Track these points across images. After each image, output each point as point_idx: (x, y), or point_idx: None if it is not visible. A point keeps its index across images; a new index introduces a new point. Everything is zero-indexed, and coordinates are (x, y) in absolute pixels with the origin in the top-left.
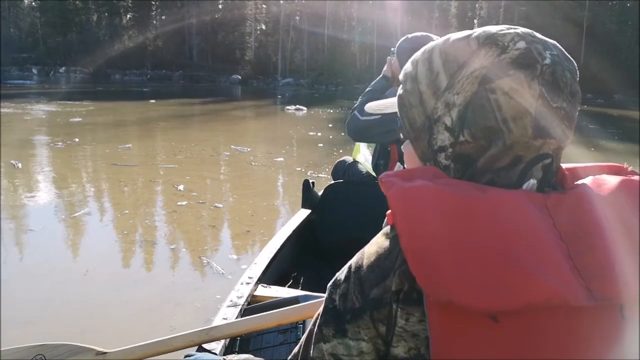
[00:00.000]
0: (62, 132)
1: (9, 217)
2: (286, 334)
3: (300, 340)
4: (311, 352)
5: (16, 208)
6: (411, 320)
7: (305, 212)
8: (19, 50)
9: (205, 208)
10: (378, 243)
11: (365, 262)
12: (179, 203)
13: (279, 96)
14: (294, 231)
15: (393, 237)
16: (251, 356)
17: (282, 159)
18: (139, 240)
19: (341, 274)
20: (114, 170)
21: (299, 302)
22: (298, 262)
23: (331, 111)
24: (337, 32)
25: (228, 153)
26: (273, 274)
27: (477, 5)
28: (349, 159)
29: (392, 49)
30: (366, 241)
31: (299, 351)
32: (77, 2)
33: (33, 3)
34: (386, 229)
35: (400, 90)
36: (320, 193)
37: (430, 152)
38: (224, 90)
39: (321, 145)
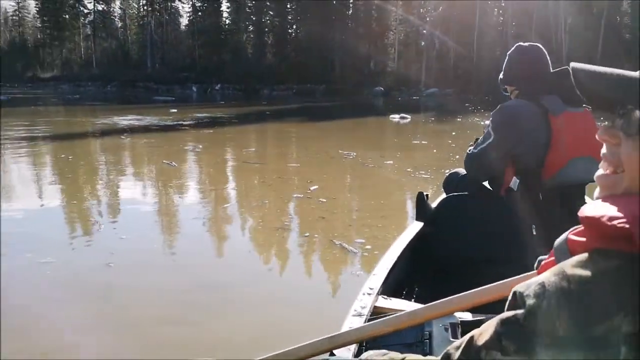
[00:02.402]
0: (210, 140)
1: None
2: (412, 347)
3: (460, 341)
4: (482, 354)
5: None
6: None
7: (418, 225)
8: (180, 69)
9: (330, 201)
10: (588, 267)
11: (574, 288)
12: (308, 197)
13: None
14: (408, 244)
15: (623, 265)
16: (385, 350)
17: (391, 161)
18: (280, 227)
19: (527, 289)
20: (255, 170)
21: None
22: (412, 275)
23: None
24: (486, 37)
25: (338, 156)
26: (390, 286)
27: None
28: (462, 170)
29: (486, 122)
30: (488, 257)
31: (459, 346)
32: (229, 23)
33: (184, 27)
34: (594, 251)
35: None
36: (434, 205)
37: None
38: (366, 104)
39: (433, 151)
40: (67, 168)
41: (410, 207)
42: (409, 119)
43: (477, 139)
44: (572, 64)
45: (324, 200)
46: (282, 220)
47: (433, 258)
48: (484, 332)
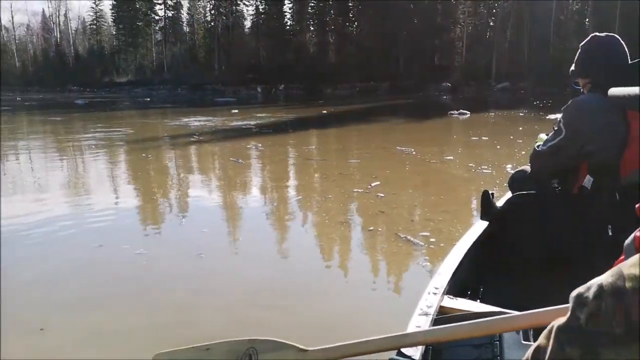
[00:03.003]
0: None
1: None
2: (481, 349)
3: (526, 356)
4: None
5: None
6: None
7: (483, 224)
8: (246, 71)
9: (391, 196)
10: None
11: (629, 287)
12: (368, 192)
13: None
14: (473, 243)
15: None
16: None
17: (451, 157)
18: (344, 221)
19: (587, 292)
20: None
21: (487, 317)
22: (477, 275)
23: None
24: (563, 28)
25: (398, 152)
26: (455, 286)
27: None
28: (528, 168)
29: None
30: (557, 259)
31: None
32: (292, 24)
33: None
34: None
35: None
36: (499, 203)
37: None
38: (432, 100)
39: (497, 147)
40: (148, 166)
41: (473, 203)
42: (468, 115)
43: (544, 135)
44: None
45: (384, 195)
46: (346, 214)
47: (498, 258)
48: (547, 342)
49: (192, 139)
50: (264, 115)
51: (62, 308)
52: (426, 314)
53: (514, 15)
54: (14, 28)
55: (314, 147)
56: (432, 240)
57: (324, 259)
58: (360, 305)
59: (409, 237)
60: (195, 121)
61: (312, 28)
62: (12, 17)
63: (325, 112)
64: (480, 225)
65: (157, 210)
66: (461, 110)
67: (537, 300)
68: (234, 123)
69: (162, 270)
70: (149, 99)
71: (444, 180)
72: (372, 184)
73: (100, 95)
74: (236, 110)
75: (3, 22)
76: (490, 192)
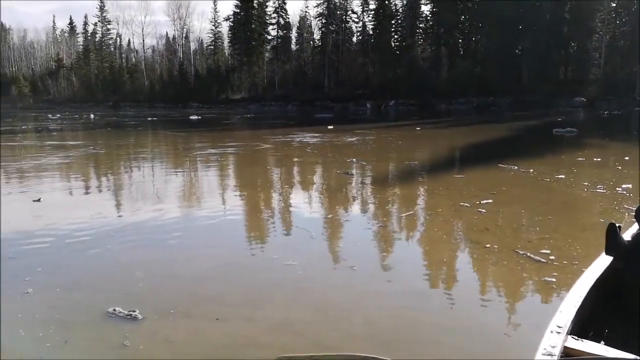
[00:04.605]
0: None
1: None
2: None
3: None
4: None
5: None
6: None
7: (608, 259)
8: (354, 87)
9: (501, 213)
10: None
11: None
12: (477, 207)
13: None
14: (597, 280)
15: None
16: None
17: (563, 175)
18: (459, 238)
19: None
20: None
21: None
22: (601, 314)
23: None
24: None
25: (503, 169)
26: (578, 325)
27: None
28: None
29: None
30: None
31: None
32: (402, 38)
33: (355, 45)
34: None
35: None
36: (625, 236)
37: None
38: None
39: (617, 167)
40: (263, 179)
41: (590, 223)
42: (575, 133)
43: None
44: None
45: (496, 211)
46: (459, 230)
47: (625, 297)
48: None
49: (302, 153)
50: (368, 130)
51: (230, 304)
52: (550, 355)
53: None
54: (143, 50)
55: (416, 162)
56: (551, 257)
57: (449, 274)
58: (493, 324)
59: (528, 253)
60: (303, 136)
61: (421, 42)
62: (143, 40)
63: (433, 127)
64: (604, 260)
65: (290, 223)
66: (568, 129)
67: None
68: (342, 139)
69: (319, 279)
70: (253, 115)
71: (561, 200)
72: (483, 201)
73: (215, 111)
74: (331, 127)
75: (134, 46)
76: (617, 225)
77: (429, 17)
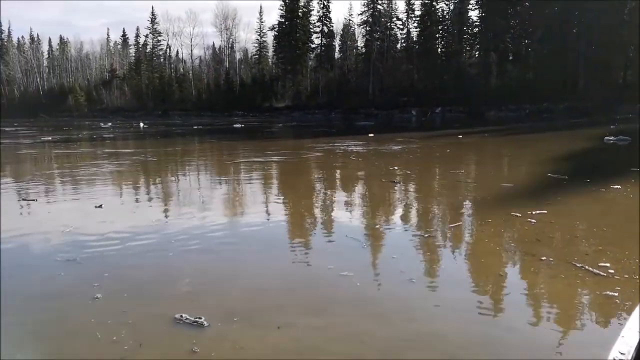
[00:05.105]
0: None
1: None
2: None
3: None
4: None
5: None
6: None
7: None
8: (399, 94)
9: (555, 224)
10: None
11: None
12: (528, 218)
13: None
14: None
15: None
16: None
17: (618, 186)
18: (513, 249)
19: None
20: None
21: None
22: None
23: None
24: None
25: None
26: None
27: None
28: None
29: None
30: None
31: None
32: (447, 43)
33: (399, 52)
34: None
35: None
36: None
37: None
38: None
39: None
40: (311, 188)
41: None
42: (628, 141)
43: None
44: None
45: (547, 221)
46: (510, 240)
47: None
48: None
49: (347, 161)
50: (412, 138)
51: (290, 313)
52: None
53: None
54: (191, 60)
55: (462, 171)
56: (611, 271)
57: (507, 287)
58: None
59: (586, 266)
60: (347, 145)
61: (468, 48)
62: (191, 51)
63: (482, 136)
64: None
65: (340, 232)
66: (620, 137)
67: None
68: (386, 147)
69: (377, 290)
70: (295, 123)
71: (618, 211)
72: (536, 211)
73: (259, 119)
74: (371, 135)
75: (183, 56)
76: None
77: (477, 22)
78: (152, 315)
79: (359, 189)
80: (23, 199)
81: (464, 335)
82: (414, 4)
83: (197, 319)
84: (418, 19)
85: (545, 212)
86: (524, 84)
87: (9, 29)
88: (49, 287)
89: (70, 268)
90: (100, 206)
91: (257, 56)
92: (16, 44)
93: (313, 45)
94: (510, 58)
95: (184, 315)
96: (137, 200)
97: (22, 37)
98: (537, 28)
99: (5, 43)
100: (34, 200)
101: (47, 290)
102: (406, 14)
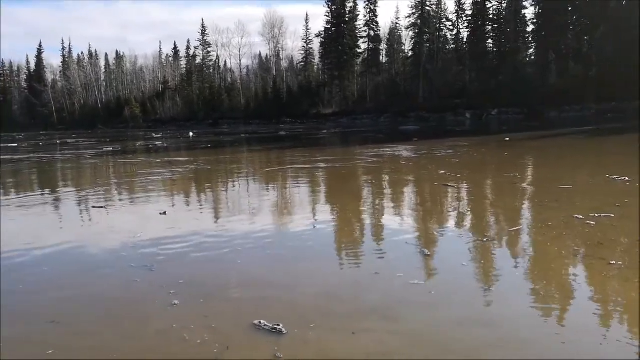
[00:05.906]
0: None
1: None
2: None
3: None
4: None
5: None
6: None
7: None
8: (450, 96)
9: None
10: None
11: None
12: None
13: None
14: None
15: None
16: None
17: None
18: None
19: None
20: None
21: None
22: None
23: None
24: None
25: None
26: None
27: None
28: None
29: None
30: None
31: None
32: (502, 43)
33: (450, 52)
34: None
35: None
36: None
37: None
38: None
39: None
40: (365, 193)
41: None
42: None
43: None
44: None
45: (612, 225)
46: (574, 244)
47: None
48: None
49: (397, 166)
50: (466, 143)
51: (363, 319)
52: None
53: None
54: (240, 70)
55: (516, 173)
56: None
57: (582, 294)
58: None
59: None
60: (395, 149)
61: (524, 47)
62: (240, 61)
63: (540, 136)
64: None
65: (399, 238)
66: None
67: None
68: (438, 151)
69: (451, 299)
70: (342, 129)
71: None
72: (596, 215)
73: (306, 126)
74: (416, 139)
75: (231, 66)
76: None
77: (534, 20)
78: (231, 321)
79: (412, 193)
80: (93, 207)
81: (548, 341)
82: (464, 3)
83: (276, 326)
84: (469, 18)
85: (612, 215)
86: (587, 83)
87: (69, 46)
88: (129, 294)
89: (145, 274)
90: (165, 213)
91: (303, 63)
92: (76, 60)
93: (360, 50)
94: (571, 56)
95: (262, 321)
96: (198, 207)
97: (82, 52)
98: (601, 23)
99: (67, 59)
100: (102, 207)
101: (128, 297)
102: (456, 14)
